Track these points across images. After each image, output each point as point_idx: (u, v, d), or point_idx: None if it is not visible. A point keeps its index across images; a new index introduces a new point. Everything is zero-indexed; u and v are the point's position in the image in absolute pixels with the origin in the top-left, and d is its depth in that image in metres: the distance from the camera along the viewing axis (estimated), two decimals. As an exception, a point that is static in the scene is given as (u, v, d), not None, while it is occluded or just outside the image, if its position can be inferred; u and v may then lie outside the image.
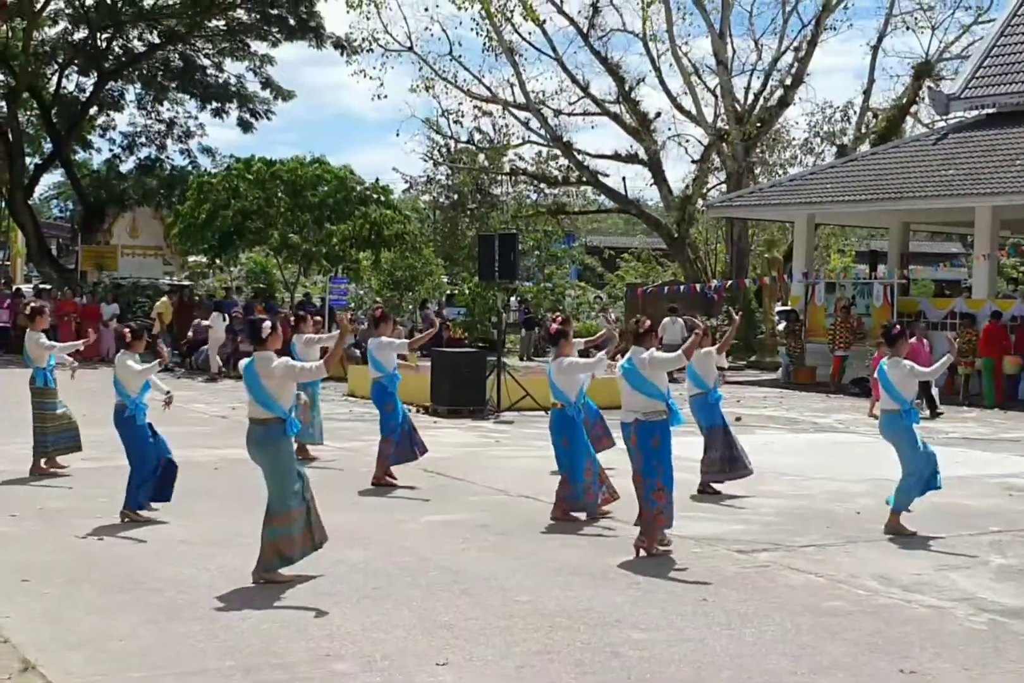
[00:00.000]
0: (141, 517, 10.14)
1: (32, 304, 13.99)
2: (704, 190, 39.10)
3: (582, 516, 10.50)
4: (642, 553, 9.07)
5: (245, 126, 39.62)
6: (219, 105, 39.00)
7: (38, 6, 34.31)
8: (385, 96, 48.97)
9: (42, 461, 12.56)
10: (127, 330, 10.75)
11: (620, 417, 9.38)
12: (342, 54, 37.37)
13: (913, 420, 10.23)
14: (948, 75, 36.90)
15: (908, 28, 39.59)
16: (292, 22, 35.87)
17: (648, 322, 9.55)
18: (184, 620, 7.09)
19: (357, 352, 26.01)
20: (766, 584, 8.27)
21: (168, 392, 10.61)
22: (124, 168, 40.70)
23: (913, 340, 19.19)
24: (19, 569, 8.16)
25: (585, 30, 37.70)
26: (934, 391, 20.03)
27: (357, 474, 12.73)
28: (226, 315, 26.62)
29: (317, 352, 13.93)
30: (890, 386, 10.22)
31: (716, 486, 12.07)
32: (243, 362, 8.45)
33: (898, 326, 10.69)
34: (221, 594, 7.71)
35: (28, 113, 39.08)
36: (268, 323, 8.40)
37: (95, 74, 37.53)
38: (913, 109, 38.43)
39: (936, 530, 10.28)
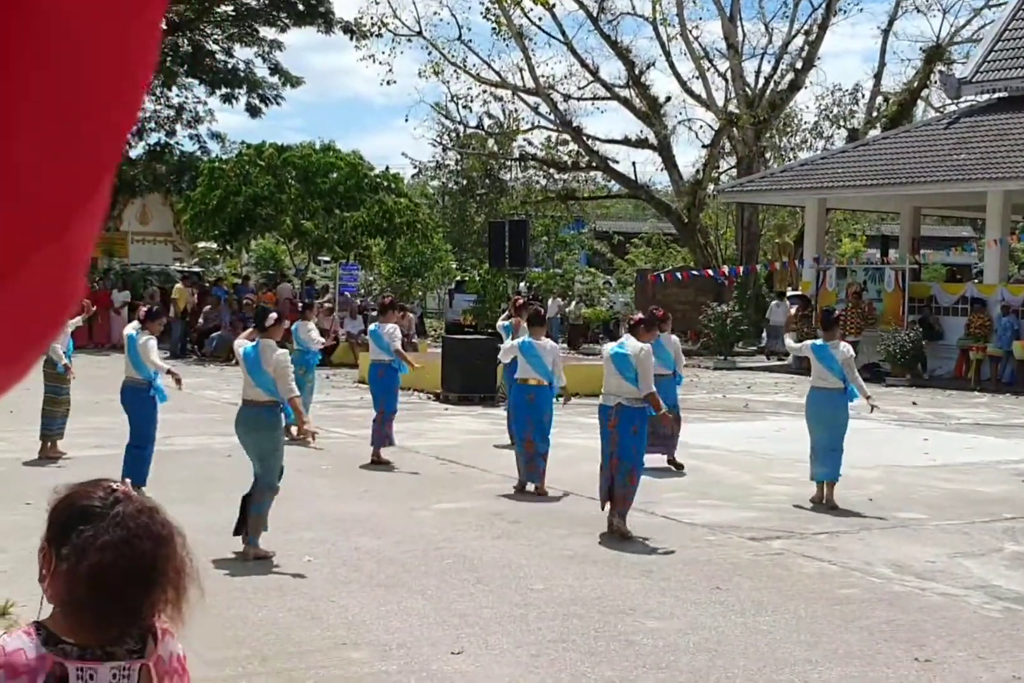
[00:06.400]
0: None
1: None
2: (714, 175, 39.00)
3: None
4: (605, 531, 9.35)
5: (254, 111, 39.53)
6: (228, 91, 38.91)
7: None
8: (394, 81, 49.05)
9: (49, 444, 12.66)
10: (145, 310, 10.92)
11: (600, 400, 9.63)
12: (351, 39, 37.28)
13: (851, 398, 10.75)
14: (959, 59, 36.77)
15: (919, 11, 39.51)
16: (301, 7, 35.77)
17: (639, 315, 9.97)
18: (200, 608, 7.09)
19: (367, 338, 26.06)
20: (780, 572, 8.28)
21: (169, 371, 10.80)
22: (133, 154, 40.65)
23: None
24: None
25: (595, 14, 37.59)
26: None
27: (369, 462, 12.75)
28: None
29: (318, 343, 15.23)
30: (836, 364, 10.66)
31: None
32: (244, 346, 8.83)
33: (837, 311, 11.55)
34: (236, 582, 7.73)
35: (37, 100, 39.03)
36: (274, 314, 8.83)
37: (104, 60, 37.48)
38: (924, 93, 38.34)
39: (949, 517, 10.27)
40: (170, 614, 2.30)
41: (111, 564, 2.18)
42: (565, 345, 28.34)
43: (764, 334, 30.74)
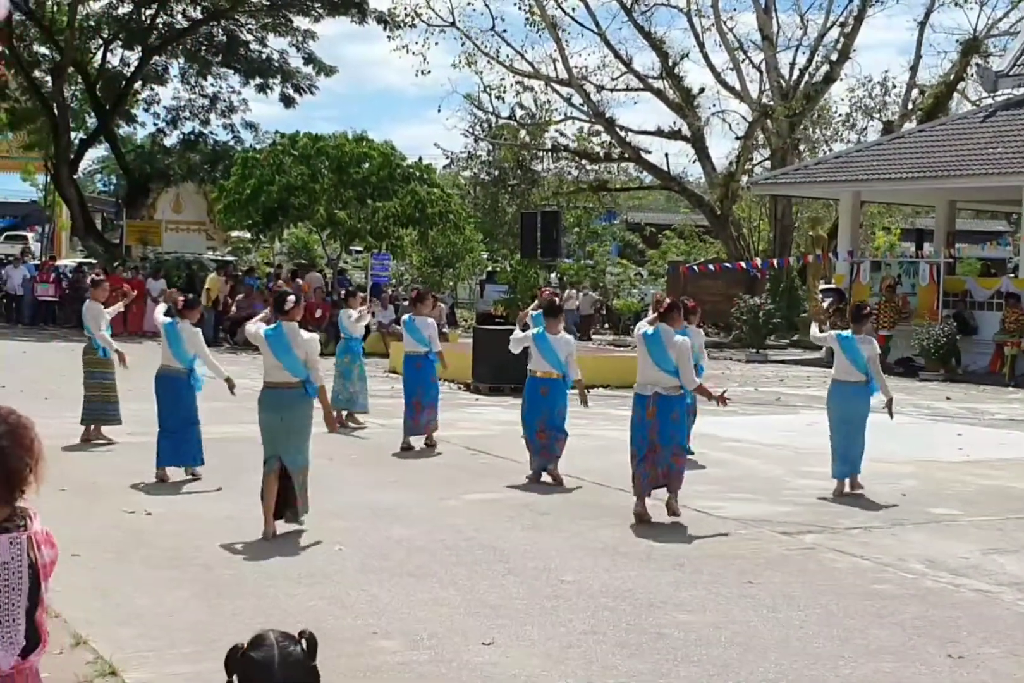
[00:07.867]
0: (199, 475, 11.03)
1: (94, 275, 14.57)
2: (748, 167, 38.79)
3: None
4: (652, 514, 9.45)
5: (287, 101, 39.60)
6: (262, 80, 39.00)
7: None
8: (428, 72, 48.92)
9: (93, 428, 12.86)
10: (182, 298, 11.09)
11: (636, 389, 9.66)
12: (385, 29, 37.31)
13: (872, 391, 10.82)
14: (996, 52, 36.35)
15: (956, 3, 38.99)
16: (334, -3, 35.80)
17: (668, 301, 9.90)
18: (232, 596, 7.14)
19: (398, 327, 26.09)
20: (812, 566, 8.24)
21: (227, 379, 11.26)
22: (168, 143, 40.83)
23: None
24: (68, 543, 8.18)
25: (628, 4, 37.39)
26: None
27: (399, 450, 12.77)
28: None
29: (362, 328, 15.19)
30: (861, 358, 10.69)
31: None
32: (264, 328, 9.00)
33: (868, 307, 11.72)
34: (268, 570, 7.76)
35: (73, 88, 39.21)
36: (292, 297, 9.03)
37: (139, 49, 37.63)
38: (960, 86, 37.92)
39: (983, 513, 10.19)
40: (34, 481, 3.13)
41: (8, 447, 3.07)
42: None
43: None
